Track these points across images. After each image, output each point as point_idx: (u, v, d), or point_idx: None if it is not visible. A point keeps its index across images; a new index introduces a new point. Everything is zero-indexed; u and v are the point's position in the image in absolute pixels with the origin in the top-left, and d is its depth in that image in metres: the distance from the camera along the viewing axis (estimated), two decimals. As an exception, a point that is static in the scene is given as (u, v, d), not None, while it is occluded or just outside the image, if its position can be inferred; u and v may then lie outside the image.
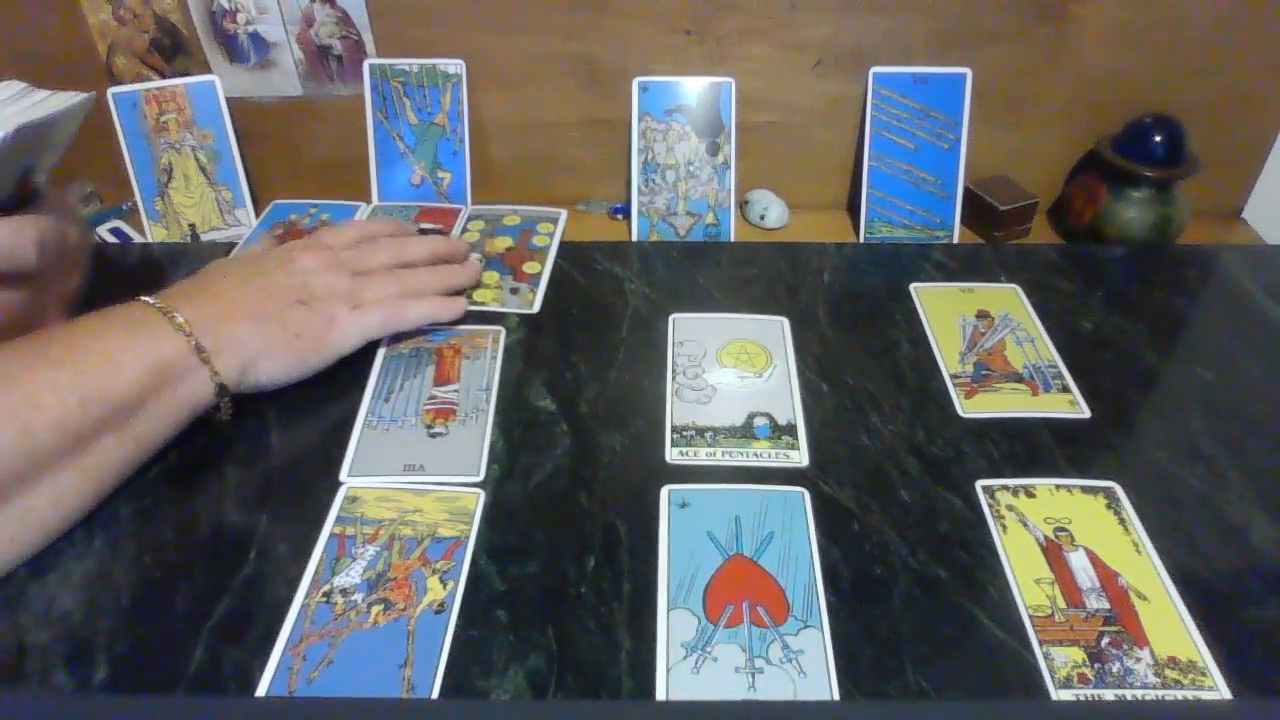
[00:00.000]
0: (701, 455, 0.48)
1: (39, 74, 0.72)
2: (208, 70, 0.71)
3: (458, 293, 0.57)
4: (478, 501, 0.45)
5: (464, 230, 0.68)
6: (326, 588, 0.41)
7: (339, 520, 0.44)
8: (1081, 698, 0.37)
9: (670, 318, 0.58)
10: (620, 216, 0.75)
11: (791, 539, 0.43)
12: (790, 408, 0.51)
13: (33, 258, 0.43)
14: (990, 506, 0.45)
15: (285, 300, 0.48)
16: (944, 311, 0.58)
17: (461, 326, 0.56)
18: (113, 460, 0.43)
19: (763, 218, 0.72)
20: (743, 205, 0.74)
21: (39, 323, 0.46)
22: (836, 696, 0.37)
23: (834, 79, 0.69)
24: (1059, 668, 0.38)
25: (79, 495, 0.42)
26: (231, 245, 0.66)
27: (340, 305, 0.50)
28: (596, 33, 0.68)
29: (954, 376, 0.53)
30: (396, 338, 0.55)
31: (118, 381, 0.41)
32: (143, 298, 0.45)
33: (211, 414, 0.47)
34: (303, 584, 0.41)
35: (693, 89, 0.69)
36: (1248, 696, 0.37)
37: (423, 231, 0.67)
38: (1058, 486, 0.46)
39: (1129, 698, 0.37)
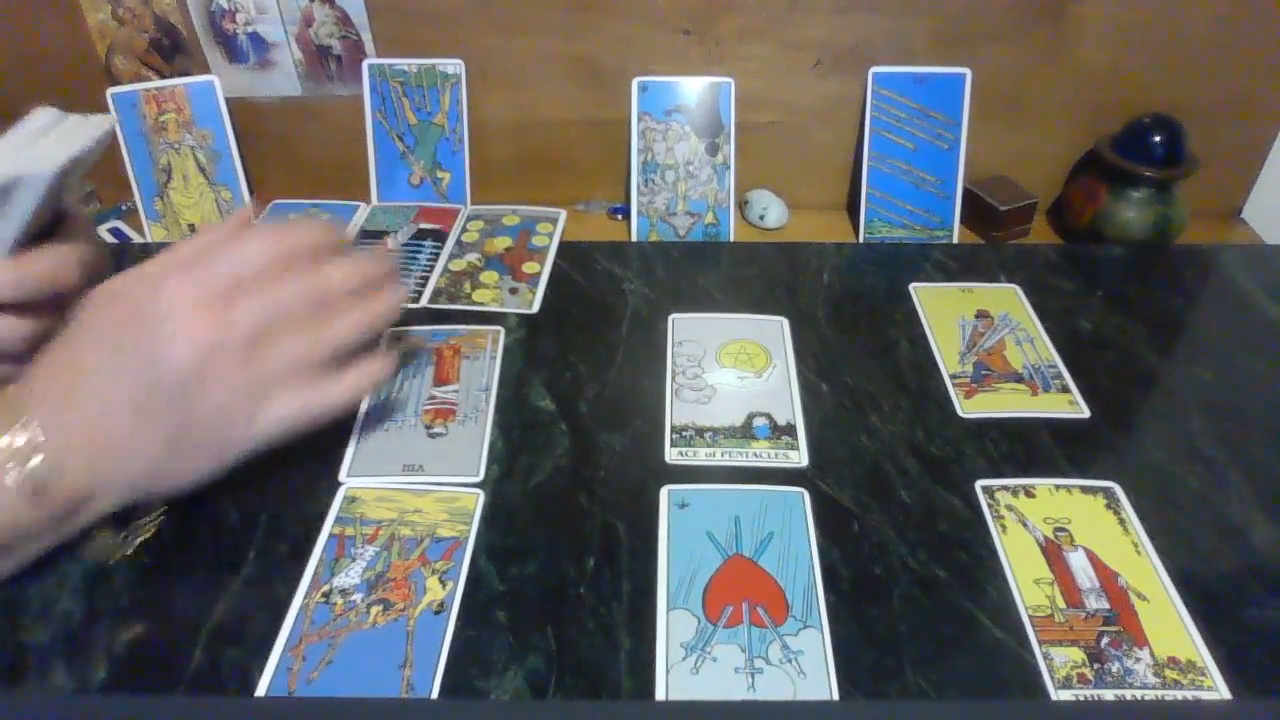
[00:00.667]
0: (701, 455, 0.48)
1: (39, 74, 0.72)
2: (207, 70, 0.71)
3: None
4: (477, 502, 0.45)
5: (464, 230, 0.68)
6: (326, 588, 0.41)
7: (338, 520, 0.44)
8: (1081, 698, 0.37)
9: (670, 318, 0.58)
10: (620, 216, 0.75)
11: (791, 539, 0.43)
12: (790, 408, 0.51)
13: (77, 281, 0.40)
14: (990, 506, 0.45)
15: (167, 407, 0.37)
16: (943, 311, 0.58)
17: (461, 327, 0.57)
18: None
19: (762, 218, 0.72)
20: (742, 205, 0.74)
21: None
22: (836, 697, 0.37)
23: (833, 79, 0.69)
24: (1059, 668, 0.38)
25: None
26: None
27: (239, 397, 0.38)
28: (596, 33, 0.68)
29: (953, 376, 0.53)
30: (396, 337, 0.55)
31: None
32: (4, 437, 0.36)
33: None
34: (302, 584, 0.41)
35: (692, 89, 0.69)
36: (1247, 696, 0.37)
37: (420, 233, 0.67)
38: (1057, 486, 0.46)
39: (1129, 698, 0.37)
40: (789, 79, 0.70)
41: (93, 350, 0.38)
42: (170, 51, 0.71)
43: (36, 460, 0.35)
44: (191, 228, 0.71)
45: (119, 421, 0.37)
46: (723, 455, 0.48)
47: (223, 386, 0.37)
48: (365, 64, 0.70)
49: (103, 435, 0.37)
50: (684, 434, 0.49)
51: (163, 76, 0.72)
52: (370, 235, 0.67)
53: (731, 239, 0.70)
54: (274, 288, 0.39)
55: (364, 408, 0.50)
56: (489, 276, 0.61)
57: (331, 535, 0.43)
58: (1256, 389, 0.53)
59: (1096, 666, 0.38)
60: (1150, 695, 0.37)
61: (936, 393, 0.52)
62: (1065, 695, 0.37)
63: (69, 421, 0.36)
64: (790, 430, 0.49)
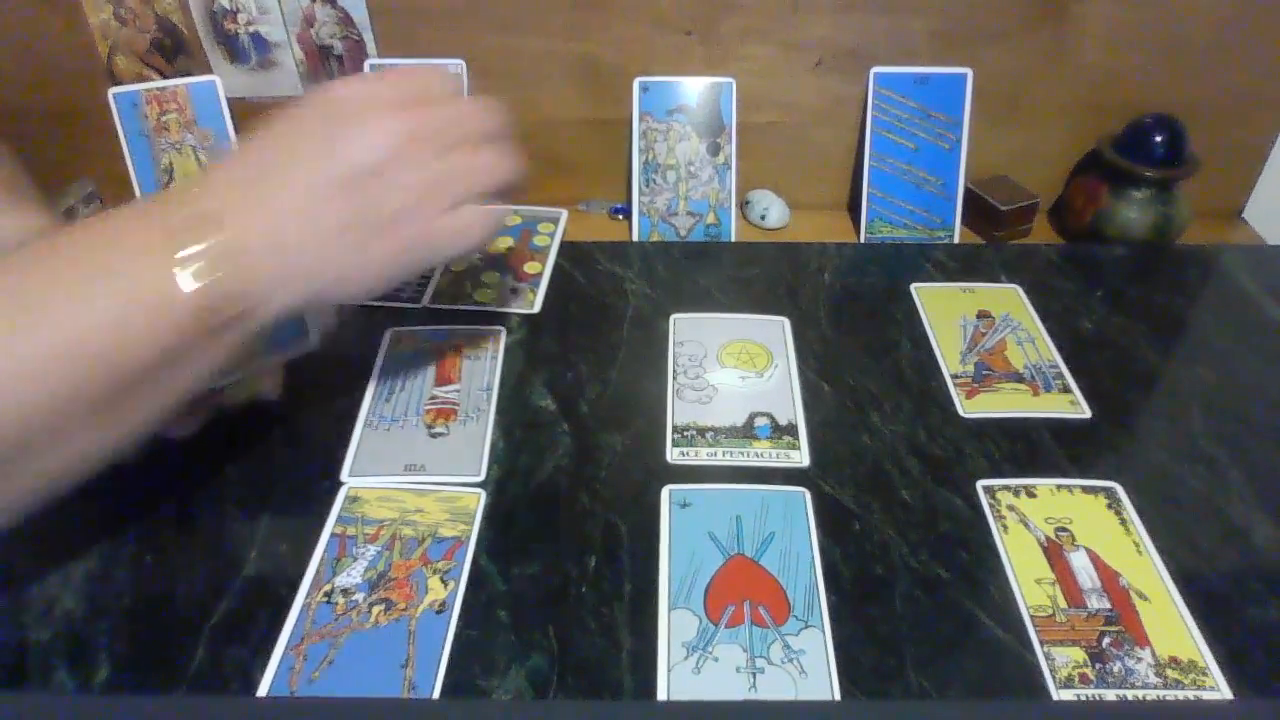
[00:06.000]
0: (702, 455, 0.48)
1: (41, 74, 0.72)
2: (209, 70, 0.71)
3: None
4: (479, 501, 0.45)
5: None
6: (328, 587, 0.41)
7: (340, 520, 0.44)
8: (1083, 698, 0.37)
9: (671, 318, 0.58)
10: (621, 216, 0.75)
11: (792, 539, 0.43)
12: (791, 408, 0.51)
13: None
14: (991, 506, 0.45)
15: (345, 193, 0.37)
16: (945, 311, 0.58)
17: (462, 327, 0.57)
18: (140, 415, 0.36)
19: (763, 218, 0.72)
20: (743, 205, 0.74)
21: None
22: (837, 696, 0.37)
23: (835, 79, 0.69)
24: (1060, 668, 0.38)
25: (103, 446, 0.36)
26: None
27: (428, 207, 0.38)
28: (597, 33, 0.68)
29: (955, 376, 0.53)
30: (397, 338, 0.55)
31: (141, 344, 0.34)
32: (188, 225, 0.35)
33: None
34: (304, 584, 0.41)
35: (693, 89, 0.69)
36: (1248, 696, 0.37)
37: None
38: (1058, 486, 0.46)
39: (1130, 698, 0.37)
40: (790, 79, 0.70)
41: (275, 147, 0.38)
42: (172, 52, 0.71)
43: (214, 242, 0.34)
44: (193, 228, 0.71)
45: (296, 207, 0.36)
46: (724, 455, 0.48)
47: (408, 178, 0.37)
48: (367, 64, 0.70)
49: (280, 222, 0.36)
50: (685, 434, 0.49)
51: (164, 76, 0.72)
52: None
53: (733, 239, 0.70)
54: (446, 121, 0.39)
55: (365, 408, 0.50)
56: (490, 276, 0.61)
57: (333, 535, 0.43)
58: (1258, 389, 0.53)
59: (1098, 666, 0.38)
60: (1152, 695, 0.37)
61: (938, 393, 0.52)
62: (1067, 695, 0.37)
63: (249, 209, 0.36)
64: (791, 430, 0.49)
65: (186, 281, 0.34)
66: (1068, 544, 0.43)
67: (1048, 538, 0.43)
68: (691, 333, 0.56)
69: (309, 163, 0.37)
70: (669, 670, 0.37)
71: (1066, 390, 0.52)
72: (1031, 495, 0.46)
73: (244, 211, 0.36)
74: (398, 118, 0.37)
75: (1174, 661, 0.38)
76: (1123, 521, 0.44)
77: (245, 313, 0.36)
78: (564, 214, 0.69)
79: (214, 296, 0.35)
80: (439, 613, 0.40)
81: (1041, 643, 0.39)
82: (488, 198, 0.40)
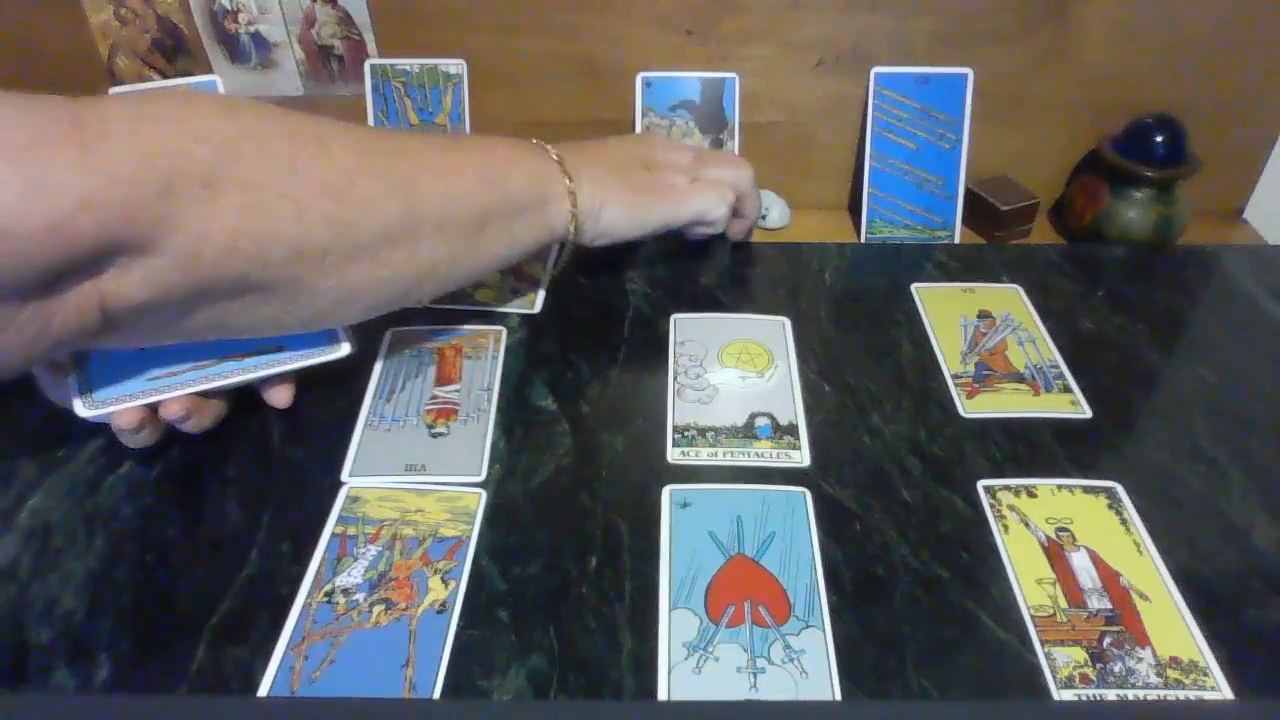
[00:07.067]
0: (703, 455, 0.48)
1: (40, 74, 0.72)
2: (209, 70, 0.71)
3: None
4: (479, 501, 0.45)
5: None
6: (328, 587, 0.41)
7: (341, 520, 0.44)
8: (1083, 698, 0.37)
9: (671, 318, 0.58)
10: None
11: (793, 539, 0.43)
12: (792, 408, 0.51)
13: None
14: (992, 506, 0.45)
15: (634, 162, 0.56)
16: (945, 311, 0.58)
17: (463, 326, 0.57)
18: (491, 246, 0.48)
19: (764, 218, 0.72)
20: (744, 205, 0.74)
21: None
22: (838, 696, 0.37)
23: (835, 79, 0.69)
24: (1061, 668, 0.38)
25: (465, 267, 0.48)
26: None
27: (680, 177, 0.57)
28: (597, 33, 0.68)
29: (955, 376, 0.53)
30: (398, 338, 0.55)
31: (511, 180, 0.48)
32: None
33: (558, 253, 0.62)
34: (304, 583, 0.41)
35: (696, 84, 0.69)
36: (1249, 696, 0.37)
37: None
38: (1059, 486, 0.46)
39: (1131, 698, 0.37)
40: (791, 79, 0.70)
41: (601, 143, 0.57)
42: (173, 52, 0.71)
43: (569, 181, 0.51)
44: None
45: (609, 166, 0.54)
46: (725, 455, 0.48)
47: (673, 162, 0.57)
48: (367, 64, 0.70)
49: (604, 174, 0.53)
50: (686, 434, 0.49)
51: (165, 77, 0.72)
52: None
53: (733, 239, 0.70)
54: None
55: (366, 408, 0.50)
56: (491, 277, 0.61)
57: (334, 535, 0.43)
58: (1258, 389, 0.53)
59: (1099, 666, 0.38)
60: (1152, 695, 0.37)
61: (938, 393, 0.52)
62: (1067, 695, 0.37)
63: (571, 150, 0.53)
64: (792, 430, 0.49)
65: (551, 167, 0.51)
66: (1068, 544, 0.43)
67: (1048, 538, 0.43)
68: (692, 333, 0.56)
69: (614, 148, 0.56)
70: (669, 670, 0.37)
71: (1067, 390, 0.52)
72: (1032, 495, 0.46)
73: (575, 158, 0.52)
74: (663, 137, 0.63)
75: (1175, 662, 0.38)
76: (1123, 521, 0.44)
77: (557, 209, 0.51)
78: (564, 214, 0.69)
79: (553, 181, 0.51)
80: (439, 613, 0.40)
81: (1042, 643, 0.39)
82: (728, 190, 0.58)
